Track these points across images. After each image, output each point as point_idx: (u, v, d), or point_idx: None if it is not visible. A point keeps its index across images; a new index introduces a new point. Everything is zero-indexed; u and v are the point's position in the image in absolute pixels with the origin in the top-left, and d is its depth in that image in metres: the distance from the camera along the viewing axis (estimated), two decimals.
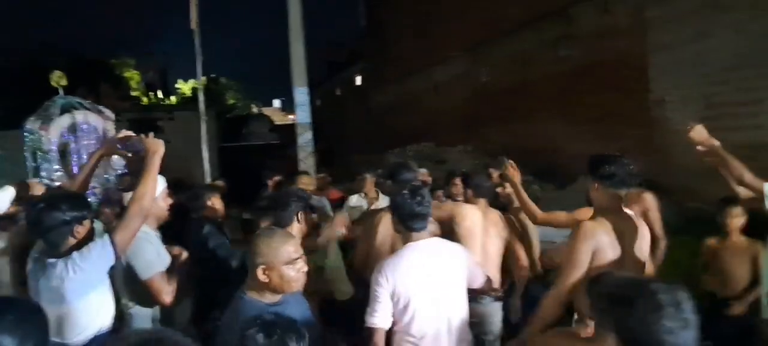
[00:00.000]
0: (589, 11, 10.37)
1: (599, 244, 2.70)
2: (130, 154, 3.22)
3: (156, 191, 2.87)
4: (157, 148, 2.89)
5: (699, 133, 3.22)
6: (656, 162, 7.90)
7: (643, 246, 2.84)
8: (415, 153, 15.70)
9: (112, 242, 2.53)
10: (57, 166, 5.96)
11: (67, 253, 2.49)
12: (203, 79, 9.45)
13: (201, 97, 7.84)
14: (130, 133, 3.28)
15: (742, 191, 3.42)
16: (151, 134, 2.95)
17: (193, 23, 7.38)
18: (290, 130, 10.48)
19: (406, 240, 2.89)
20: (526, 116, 12.12)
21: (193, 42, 8.80)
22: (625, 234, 2.77)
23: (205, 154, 6.40)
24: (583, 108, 10.40)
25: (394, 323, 2.83)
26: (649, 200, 4.31)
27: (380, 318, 2.79)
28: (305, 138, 9.35)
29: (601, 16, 10.02)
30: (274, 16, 11.52)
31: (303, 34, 9.33)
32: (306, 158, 9.27)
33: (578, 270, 2.69)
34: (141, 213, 2.67)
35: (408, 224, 2.86)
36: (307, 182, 5.81)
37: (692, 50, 8.08)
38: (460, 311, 2.89)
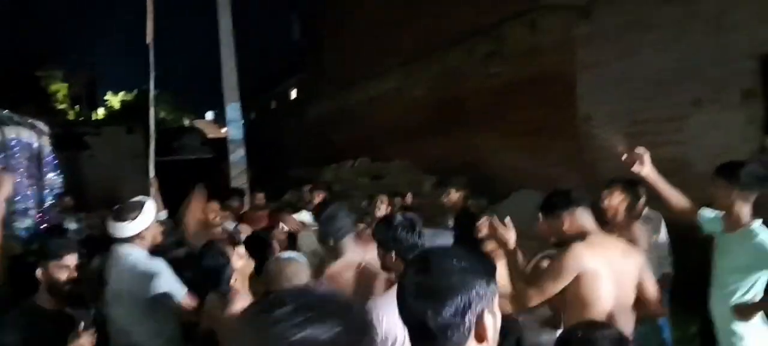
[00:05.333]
0: (517, 29, 10.61)
1: (585, 268, 2.69)
2: None
3: None
4: None
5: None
6: (584, 176, 8.10)
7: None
8: (351, 168, 15.61)
9: None
10: None
11: None
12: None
13: (152, 113, 7.38)
14: None
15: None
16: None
17: (149, 37, 6.98)
18: (224, 143, 10.19)
19: None
20: (459, 131, 12.25)
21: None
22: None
23: (152, 172, 5.96)
24: (513, 123, 10.57)
25: None
26: (637, 230, 3.91)
27: None
28: (238, 155, 9.12)
29: (529, 33, 10.27)
30: (205, 28, 11.27)
31: (234, 50, 9.14)
32: (239, 175, 9.03)
33: (557, 284, 2.70)
34: None
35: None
36: (214, 209, 5.53)
37: (618, 68, 8.37)
38: None
